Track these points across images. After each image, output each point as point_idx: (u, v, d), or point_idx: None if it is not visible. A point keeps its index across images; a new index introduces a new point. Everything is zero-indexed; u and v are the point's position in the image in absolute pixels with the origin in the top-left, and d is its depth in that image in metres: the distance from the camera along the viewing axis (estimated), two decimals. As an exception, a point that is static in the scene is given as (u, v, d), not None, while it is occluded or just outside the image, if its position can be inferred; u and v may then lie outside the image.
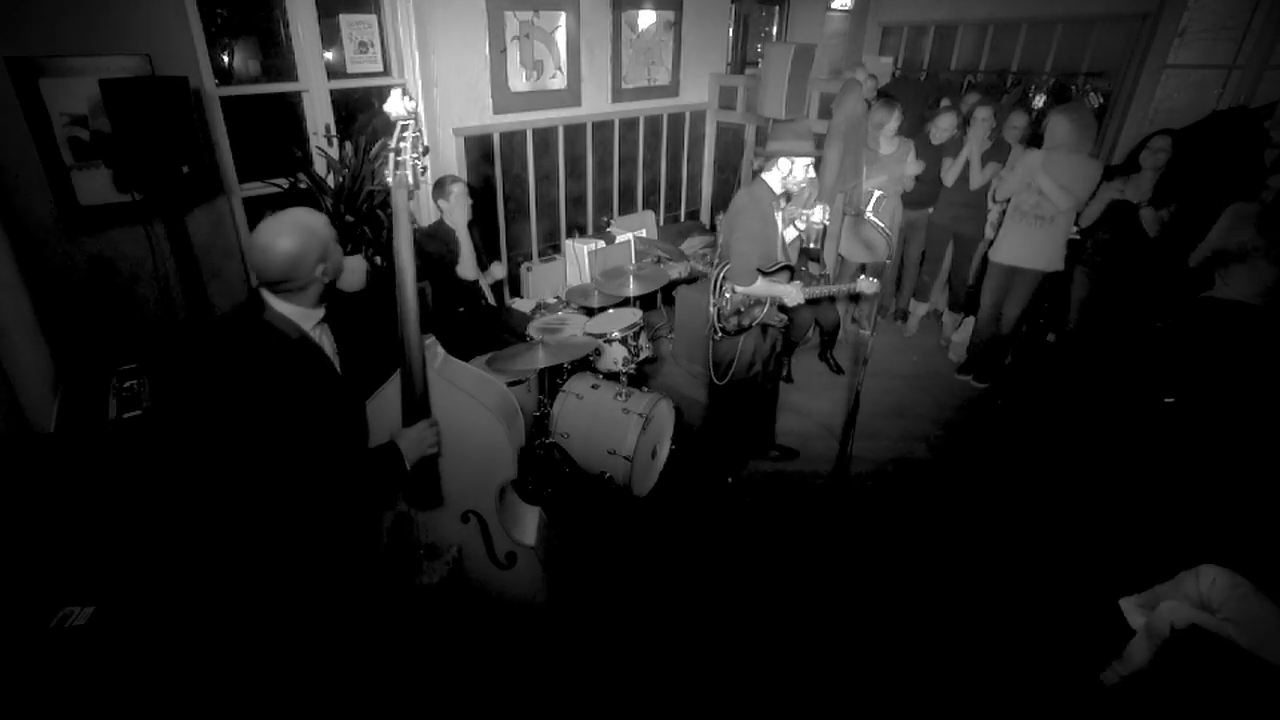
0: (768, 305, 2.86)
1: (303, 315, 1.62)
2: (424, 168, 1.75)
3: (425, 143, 1.75)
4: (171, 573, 2.48)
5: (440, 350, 1.97)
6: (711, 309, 2.83)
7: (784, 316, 3.00)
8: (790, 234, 2.94)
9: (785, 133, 2.59)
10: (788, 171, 2.61)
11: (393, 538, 2.04)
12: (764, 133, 5.10)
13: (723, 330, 2.85)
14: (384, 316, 1.85)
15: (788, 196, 2.76)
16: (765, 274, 2.72)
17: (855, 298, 4.44)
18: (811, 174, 2.65)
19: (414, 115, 1.73)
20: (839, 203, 4.65)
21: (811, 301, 3.60)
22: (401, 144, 1.71)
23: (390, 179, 1.71)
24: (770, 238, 2.72)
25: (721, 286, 2.80)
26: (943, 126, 4.18)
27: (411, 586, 2.01)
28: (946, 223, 4.32)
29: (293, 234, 1.53)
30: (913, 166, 4.07)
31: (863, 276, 2.89)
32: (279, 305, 1.59)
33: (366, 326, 1.89)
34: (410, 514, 2.02)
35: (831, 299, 4.14)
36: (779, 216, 2.76)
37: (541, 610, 2.19)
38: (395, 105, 1.71)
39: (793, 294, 2.78)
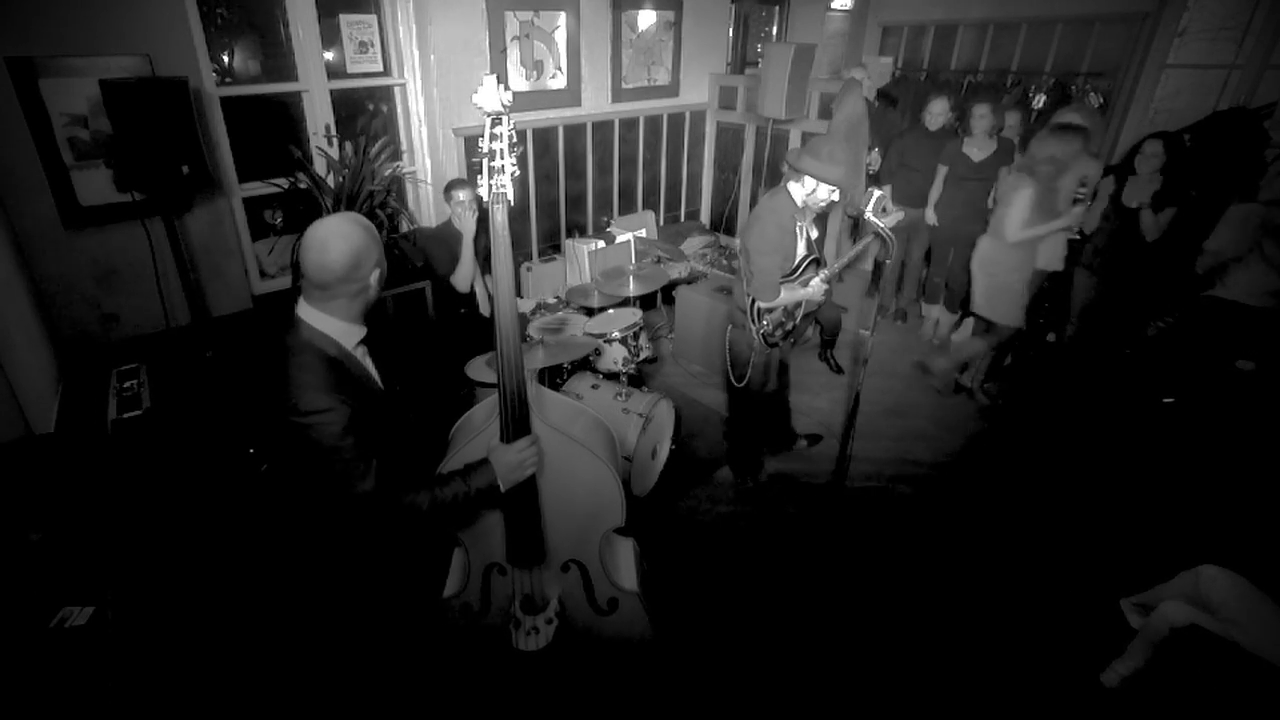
0: (804, 303, 2.87)
1: (343, 331, 1.43)
2: (516, 171, 1.44)
3: (515, 140, 1.43)
4: (174, 573, 2.48)
5: (537, 383, 1.78)
6: (756, 335, 2.81)
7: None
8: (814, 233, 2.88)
9: (823, 153, 2.52)
10: (812, 190, 2.59)
11: (484, 595, 1.87)
12: (769, 132, 5.10)
13: (770, 344, 2.87)
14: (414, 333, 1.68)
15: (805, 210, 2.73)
16: (791, 278, 2.73)
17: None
18: (835, 197, 2.63)
19: (508, 109, 1.38)
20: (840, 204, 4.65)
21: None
22: (496, 145, 1.39)
23: (484, 192, 1.41)
24: (789, 246, 2.72)
25: (761, 314, 2.78)
26: (935, 112, 4.18)
27: (509, 651, 1.84)
28: (948, 223, 4.31)
29: (357, 231, 1.37)
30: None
31: (885, 207, 2.64)
32: (317, 320, 1.40)
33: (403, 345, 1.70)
34: (505, 569, 1.82)
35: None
36: (798, 227, 2.73)
37: (644, 652, 1.99)
38: (488, 97, 1.35)
39: (815, 290, 2.75)
